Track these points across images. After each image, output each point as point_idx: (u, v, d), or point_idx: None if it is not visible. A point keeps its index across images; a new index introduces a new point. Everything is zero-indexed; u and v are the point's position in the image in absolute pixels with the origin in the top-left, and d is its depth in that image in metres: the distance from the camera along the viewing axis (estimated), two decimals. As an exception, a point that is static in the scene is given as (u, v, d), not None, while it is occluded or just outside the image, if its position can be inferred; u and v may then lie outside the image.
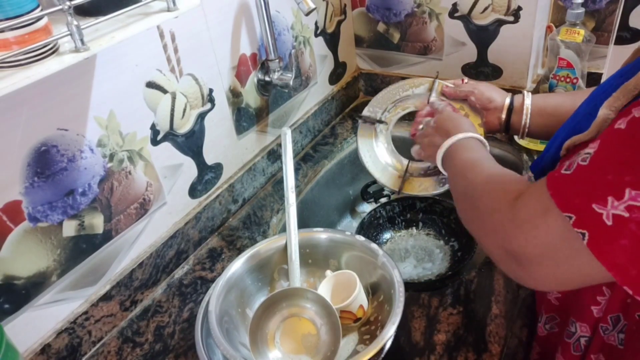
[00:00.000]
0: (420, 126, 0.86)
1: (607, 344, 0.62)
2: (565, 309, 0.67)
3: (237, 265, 0.79)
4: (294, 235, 0.80)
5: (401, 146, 0.99)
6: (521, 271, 0.48)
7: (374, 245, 0.78)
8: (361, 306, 0.75)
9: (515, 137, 0.91)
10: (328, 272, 0.81)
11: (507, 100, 0.84)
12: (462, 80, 0.93)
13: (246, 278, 0.80)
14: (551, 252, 0.44)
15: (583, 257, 0.41)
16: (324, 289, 0.78)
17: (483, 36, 1.16)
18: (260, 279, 0.82)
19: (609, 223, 0.39)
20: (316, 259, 0.84)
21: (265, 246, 0.82)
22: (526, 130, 0.81)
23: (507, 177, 0.58)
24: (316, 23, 1.17)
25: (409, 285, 0.75)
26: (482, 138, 0.74)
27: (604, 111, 0.47)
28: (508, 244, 0.49)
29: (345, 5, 1.27)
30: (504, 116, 0.83)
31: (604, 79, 1.17)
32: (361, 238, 0.80)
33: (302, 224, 0.83)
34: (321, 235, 0.83)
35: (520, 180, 0.56)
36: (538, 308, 0.76)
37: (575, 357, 0.66)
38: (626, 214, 0.38)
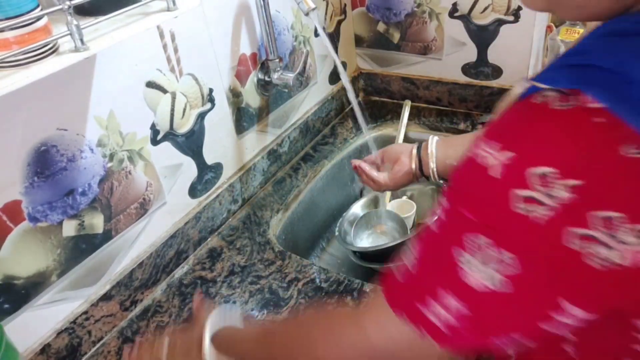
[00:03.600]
0: None
1: None
2: None
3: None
4: None
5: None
6: None
7: None
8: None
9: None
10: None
11: (414, 151, 0.87)
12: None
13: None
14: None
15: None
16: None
17: (483, 36, 1.16)
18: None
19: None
20: None
21: None
22: (435, 174, 0.85)
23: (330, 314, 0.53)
24: (316, 23, 1.17)
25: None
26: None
27: None
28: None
29: (345, 5, 1.27)
30: (414, 165, 0.87)
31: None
32: None
33: (302, 223, 0.83)
34: None
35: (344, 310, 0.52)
36: None
37: None
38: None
